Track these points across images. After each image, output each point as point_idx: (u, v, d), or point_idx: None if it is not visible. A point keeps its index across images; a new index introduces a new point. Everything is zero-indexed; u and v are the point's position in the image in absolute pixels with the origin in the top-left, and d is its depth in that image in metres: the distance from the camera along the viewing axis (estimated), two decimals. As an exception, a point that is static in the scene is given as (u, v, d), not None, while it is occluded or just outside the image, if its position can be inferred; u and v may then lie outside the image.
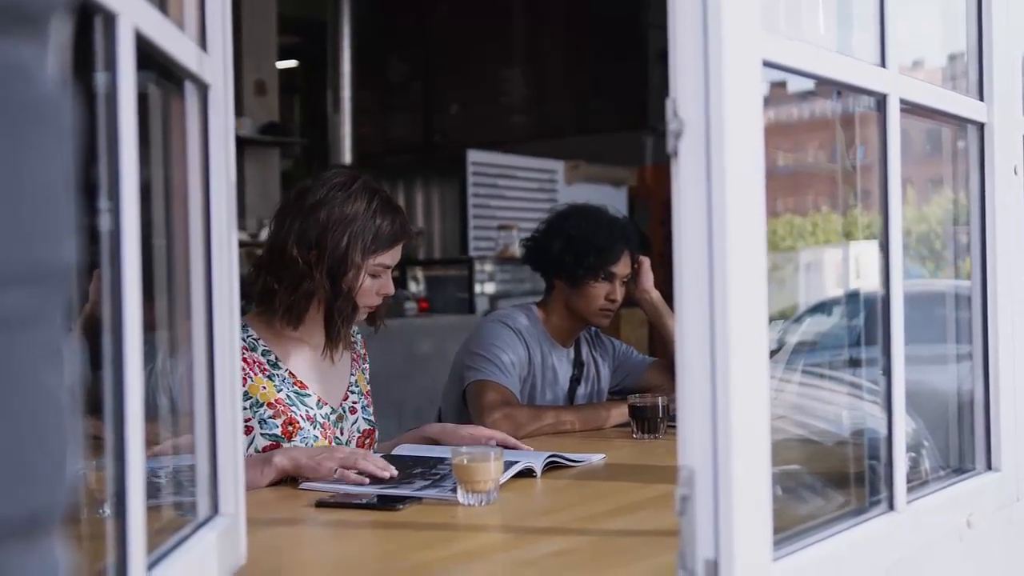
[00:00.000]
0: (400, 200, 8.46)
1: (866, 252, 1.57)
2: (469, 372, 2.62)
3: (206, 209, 1.22)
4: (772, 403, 1.12)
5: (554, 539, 1.54)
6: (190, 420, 1.21)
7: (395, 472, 1.86)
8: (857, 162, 1.65)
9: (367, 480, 1.83)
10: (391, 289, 2.16)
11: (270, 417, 2.06)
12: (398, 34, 9.61)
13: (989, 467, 1.67)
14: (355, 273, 2.09)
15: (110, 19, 0.87)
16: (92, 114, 0.88)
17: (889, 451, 1.39)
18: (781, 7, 1.40)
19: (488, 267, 6.97)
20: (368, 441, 2.24)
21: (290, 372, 2.12)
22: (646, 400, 2.46)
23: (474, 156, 7.69)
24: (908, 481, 1.42)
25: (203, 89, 1.20)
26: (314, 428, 2.10)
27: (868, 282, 1.56)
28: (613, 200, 6.84)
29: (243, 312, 1.99)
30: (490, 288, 6.92)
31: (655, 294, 2.84)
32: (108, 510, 0.91)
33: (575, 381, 2.83)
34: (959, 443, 1.73)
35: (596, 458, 2.14)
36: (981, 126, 1.68)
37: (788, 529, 1.20)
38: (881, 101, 1.39)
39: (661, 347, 3.20)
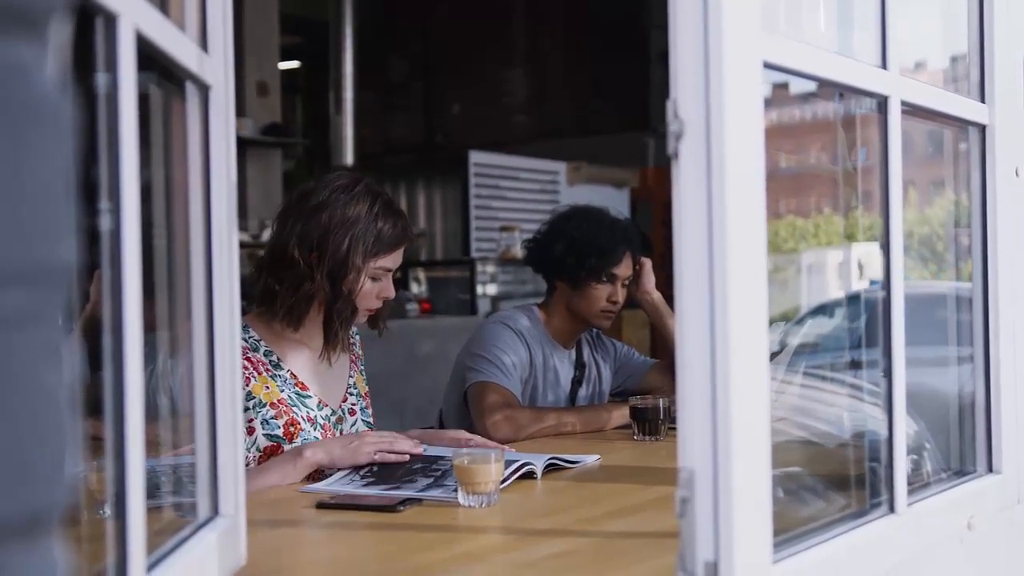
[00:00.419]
0: (402, 201, 8.50)
1: (868, 254, 1.57)
2: (470, 373, 2.61)
3: (207, 210, 1.22)
4: (774, 405, 1.12)
5: (554, 541, 1.53)
6: (190, 421, 1.21)
7: (424, 448, 1.99)
8: (859, 164, 1.65)
9: (407, 457, 1.94)
10: (391, 293, 2.17)
11: (272, 418, 2.06)
12: (399, 34, 9.63)
13: (990, 469, 1.67)
14: (356, 275, 2.09)
15: (111, 20, 0.87)
16: (93, 115, 0.88)
17: (890, 453, 1.39)
18: (781, 8, 1.40)
19: (490, 268, 6.97)
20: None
21: (291, 373, 2.13)
22: (647, 402, 2.46)
23: (476, 157, 7.69)
24: (909, 483, 1.41)
25: (204, 90, 1.20)
26: (314, 429, 2.11)
27: (870, 284, 1.56)
28: (615, 202, 6.84)
29: (244, 313, 2.00)
30: (492, 289, 6.92)
31: (656, 295, 2.84)
32: (108, 511, 0.91)
33: (576, 383, 2.83)
34: (960, 445, 1.73)
35: (591, 459, 2.14)
36: (982, 128, 1.68)
37: (788, 531, 1.20)
38: (882, 103, 1.39)
39: (663, 349, 3.20)
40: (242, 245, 5.63)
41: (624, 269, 2.73)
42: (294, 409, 2.09)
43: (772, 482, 1.10)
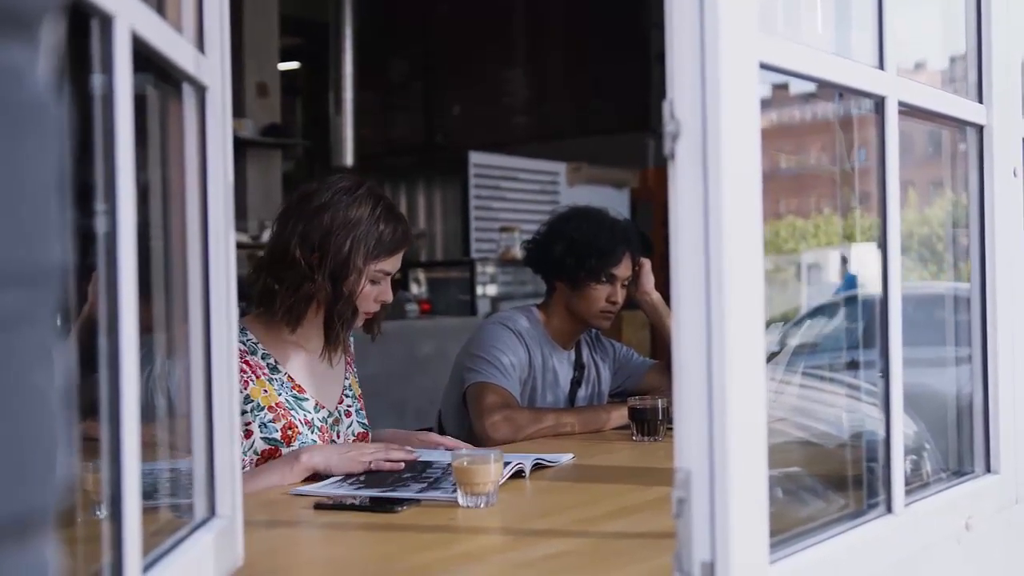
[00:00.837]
0: (402, 201, 8.50)
1: (867, 254, 1.57)
2: (469, 374, 2.62)
3: (204, 211, 1.22)
4: (772, 405, 1.12)
5: (552, 541, 1.54)
6: (187, 422, 1.21)
7: (417, 455, 2.03)
8: (857, 164, 1.64)
9: (402, 466, 1.97)
10: (390, 297, 2.17)
11: (270, 421, 2.06)
12: (399, 35, 9.63)
13: (988, 470, 1.67)
14: (356, 277, 2.10)
15: (106, 21, 0.87)
16: (89, 116, 0.88)
17: (887, 453, 1.38)
18: (779, 8, 1.40)
19: (490, 269, 6.97)
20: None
21: (289, 376, 2.13)
22: (645, 402, 2.46)
23: (476, 158, 7.70)
24: (908, 484, 1.41)
25: (201, 91, 1.20)
26: (312, 432, 2.11)
27: (869, 284, 1.56)
28: (615, 202, 6.84)
29: (242, 314, 2.00)
30: (492, 290, 6.92)
31: (656, 296, 2.84)
32: (104, 511, 0.91)
33: (575, 383, 2.83)
34: (958, 445, 1.73)
35: (565, 458, 2.16)
36: (980, 128, 1.67)
37: (786, 531, 1.20)
38: (879, 103, 1.39)
39: (662, 349, 3.20)
40: (241, 246, 5.63)
41: (623, 270, 2.74)
42: (292, 412, 2.09)
43: (770, 482, 1.10)
